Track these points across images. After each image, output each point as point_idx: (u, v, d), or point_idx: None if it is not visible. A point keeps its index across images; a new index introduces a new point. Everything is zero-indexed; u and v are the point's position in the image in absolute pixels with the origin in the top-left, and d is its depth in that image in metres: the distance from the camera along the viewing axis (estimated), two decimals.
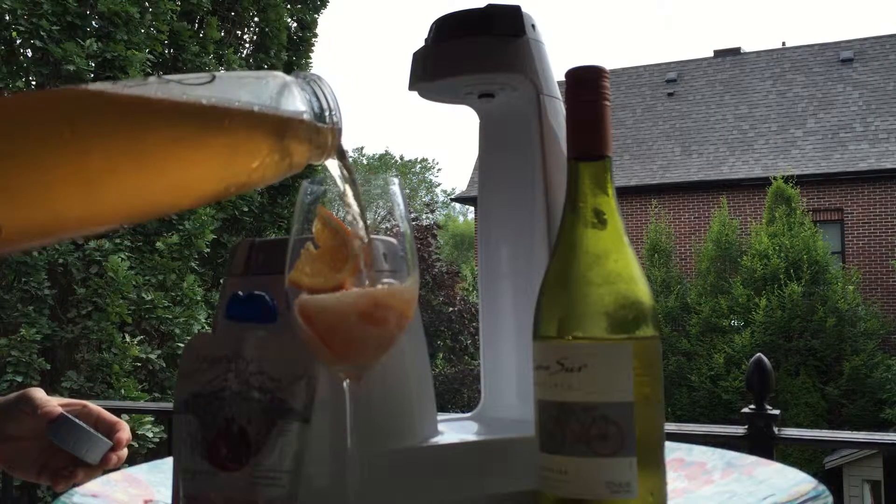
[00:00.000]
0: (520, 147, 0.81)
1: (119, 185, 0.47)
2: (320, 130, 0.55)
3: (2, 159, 0.42)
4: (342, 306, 0.53)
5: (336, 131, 0.56)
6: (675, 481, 0.76)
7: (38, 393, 0.97)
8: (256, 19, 6.23)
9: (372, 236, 0.56)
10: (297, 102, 0.54)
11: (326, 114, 0.55)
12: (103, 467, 0.94)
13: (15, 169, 0.43)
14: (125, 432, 0.98)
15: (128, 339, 4.61)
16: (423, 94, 0.82)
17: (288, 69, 6.30)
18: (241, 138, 0.51)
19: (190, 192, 0.52)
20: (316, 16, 6.77)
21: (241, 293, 0.61)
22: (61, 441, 0.93)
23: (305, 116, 0.54)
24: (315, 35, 6.76)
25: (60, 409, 0.95)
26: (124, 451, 0.97)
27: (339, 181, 0.57)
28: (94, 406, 1.00)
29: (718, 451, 0.87)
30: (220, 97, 0.50)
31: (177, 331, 4.83)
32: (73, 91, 0.46)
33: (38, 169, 0.44)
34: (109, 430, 0.97)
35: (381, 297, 0.54)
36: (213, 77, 0.51)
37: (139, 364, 4.70)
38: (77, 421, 0.94)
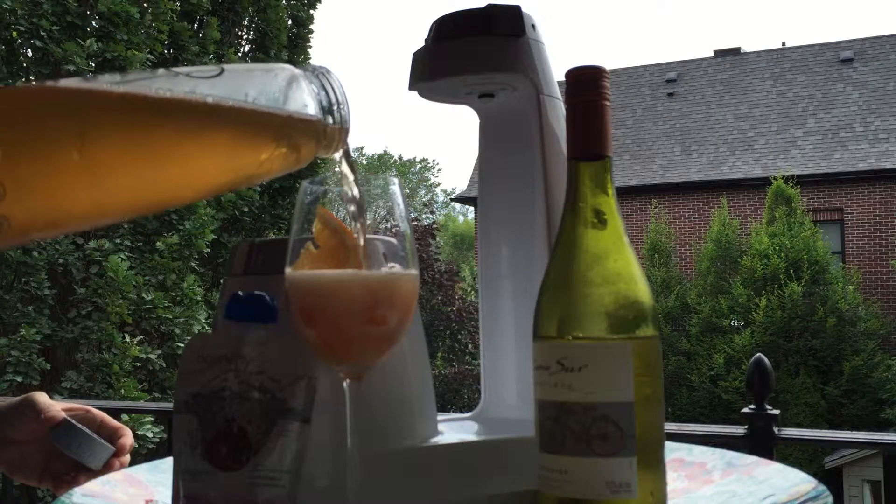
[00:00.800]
0: (520, 147, 0.81)
1: (125, 180, 0.47)
2: (327, 127, 0.55)
3: (9, 150, 0.42)
4: (332, 283, 0.53)
5: (343, 129, 0.56)
6: (675, 481, 0.76)
7: (42, 397, 0.97)
8: (256, 19, 6.23)
9: (372, 236, 0.56)
10: (305, 97, 0.54)
11: (335, 108, 0.55)
12: (105, 473, 0.94)
13: (22, 160, 0.43)
14: (128, 438, 0.98)
15: (128, 339, 4.61)
16: (423, 94, 0.82)
17: None
18: (248, 137, 0.51)
19: (196, 186, 0.52)
20: (312, 11, 6.76)
21: (241, 293, 0.61)
22: (64, 446, 0.93)
23: (313, 113, 0.54)
24: (311, 32, 6.75)
25: (64, 414, 0.95)
26: (127, 457, 0.97)
27: (341, 170, 0.57)
28: (97, 411, 1.00)
29: (718, 451, 0.87)
30: (229, 92, 0.50)
31: (177, 331, 4.83)
32: (82, 86, 0.46)
33: (45, 161, 0.44)
34: (112, 436, 0.97)
35: (373, 279, 0.54)
36: (222, 70, 0.51)
37: (139, 364, 4.70)
38: (80, 426, 0.94)
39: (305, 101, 0.54)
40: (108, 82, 0.47)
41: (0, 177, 0.41)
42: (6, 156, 0.41)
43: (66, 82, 0.45)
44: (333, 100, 0.55)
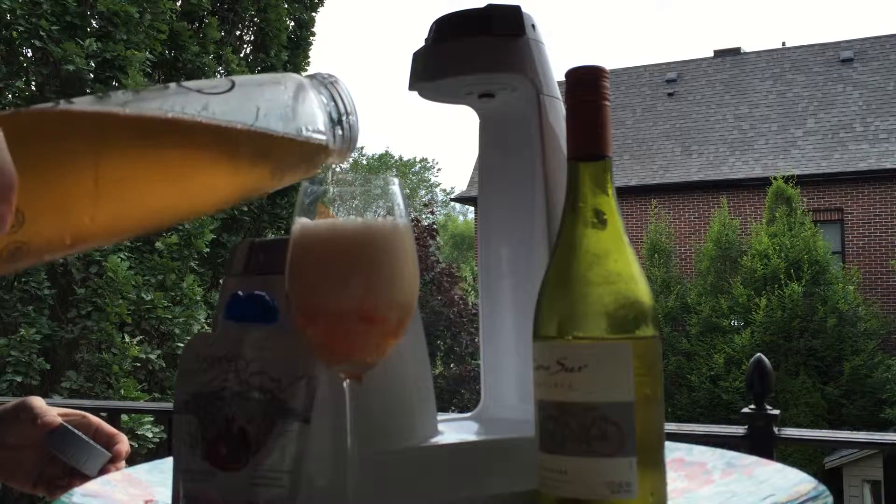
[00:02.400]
0: (520, 147, 0.80)
1: (139, 202, 0.48)
2: (337, 148, 0.56)
3: (26, 176, 0.42)
4: (338, 233, 0.53)
5: (352, 140, 0.57)
6: (675, 481, 0.76)
7: (38, 402, 0.96)
8: (256, 19, 6.23)
9: None
10: (314, 109, 0.55)
11: (343, 118, 0.56)
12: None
13: (39, 186, 0.43)
14: (124, 444, 0.97)
15: (127, 339, 4.61)
16: (423, 94, 0.82)
17: (286, 69, 6.31)
18: (261, 157, 0.52)
19: (208, 202, 0.53)
20: (314, 14, 6.77)
21: (241, 293, 0.61)
22: (61, 451, 0.92)
23: (322, 128, 0.55)
24: (312, 34, 6.76)
25: (60, 420, 0.95)
26: (122, 464, 0.97)
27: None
28: (93, 417, 0.99)
29: (718, 451, 0.87)
30: (240, 108, 0.50)
31: (177, 331, 4.83)
32: (97, 110, 0.46)
33: (62, 187, 0.44)
34: (108, 442, 0.96)
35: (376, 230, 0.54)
36: (233, 85, 0.51)
37: (139, 364, 4.70)
38: (77, 432, 0.94)
39: (315, 113, 0.54)
40: (121, 102, 0.47)
41: (19, 205, 0.41)
42: (23, 182, 0.41)
43: (80, 103, 0.45)
44: (342, 110, 0.56)
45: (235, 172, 0.51)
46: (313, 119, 0.54)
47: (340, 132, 0.56)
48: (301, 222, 0.54)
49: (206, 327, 4.92)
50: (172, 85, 0.50)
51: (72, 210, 0.45)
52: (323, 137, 0.55)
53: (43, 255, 0.47)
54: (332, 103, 0.56)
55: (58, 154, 0.44)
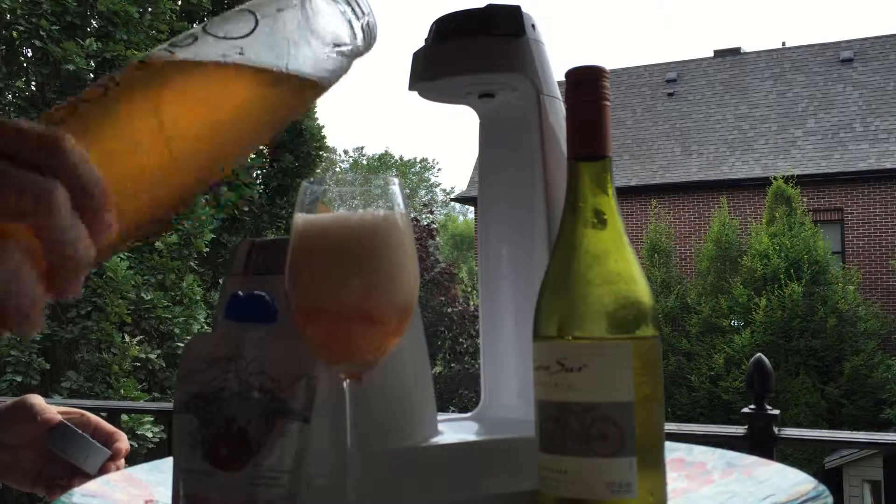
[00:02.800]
0: (520, 147, 0.81)
1: (200, 153, 0.49)
2: (362, 51, 0.58)
3: (108, 159, 0.43)
4: (341, 227, 0.54)
5: (373, 39, 0.58)
6: (675, 481, 0.76)
7: (37, 399, 0.96)
8: None
9: None
10: (335, 21, 0.56)
11: (363, 21, 0.57)
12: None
13: (117, 174, 0.44)
14: (123, 443, 0.97)
15: (127, 339, 4.61)
16: (423, 94, 0.82)
17: None
18: (295, 88, 0.53)
19: (258, 136, 0.54)
20: None
21: (241, 293, 0.61)
22: (60, 449, 0.92)
23: (347, 41, 0.56)
24: None
25: (60, 417, 0.94)
26: (122, 462, 0.97)
27: None
28: (91, 415, 0.99)
29: (718, 451, 0.87)
30: (272, 52, 0.51)
31: (176, 331, 4.83)
32: (151, 64, 0.47)
33: (135, 160, 0.45)
34: (107, 440, 0.96)
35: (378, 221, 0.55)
36: (256, 23, 0.51)
37: (139, 364, 4.70)
38: (76, 429, 0.93)
39: (337, 26, 0.56)
40: (162, 56, 0.48)
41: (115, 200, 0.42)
42: (108, 177, 0.41)
43: (135, 73, 0.46)
44: (360, 13, 0.57)
45: (275, 103, 0.53)
46: (337, 35, 0.55)
47: (362, 36, 0.57)
48: (303, 216, 0.54)
49: (206, 327, 4.92)
50: (198, 32, 0.50)
51: (153, 181, 0.46)
52: (348, 48, 0.56)
53: (140, 233, 0.48)
54: (349, 9, 0.56)
55: (127, 128, 0.45)
